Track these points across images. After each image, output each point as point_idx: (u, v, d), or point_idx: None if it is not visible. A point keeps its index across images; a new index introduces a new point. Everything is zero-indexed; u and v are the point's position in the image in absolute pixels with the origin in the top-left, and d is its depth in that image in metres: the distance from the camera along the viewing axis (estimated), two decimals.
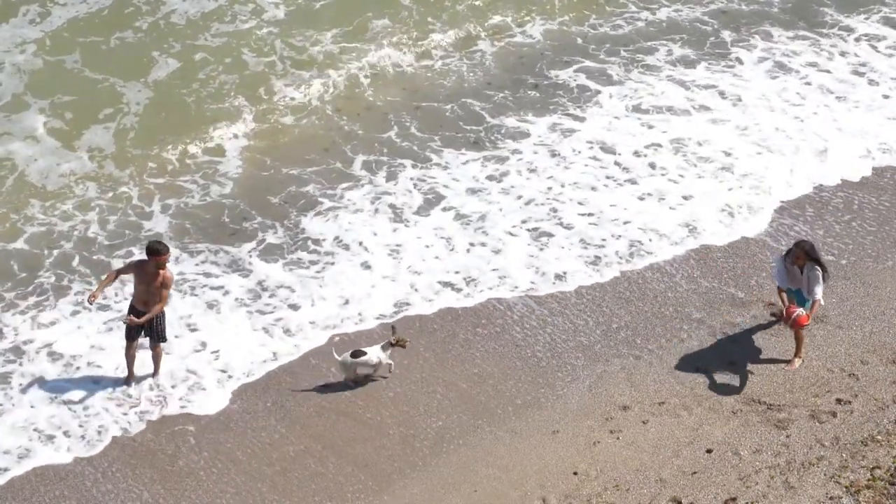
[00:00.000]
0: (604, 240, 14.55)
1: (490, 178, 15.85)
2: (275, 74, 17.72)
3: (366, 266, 14.29)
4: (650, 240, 14.55)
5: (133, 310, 12.12)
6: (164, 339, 12.41)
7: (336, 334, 13.21)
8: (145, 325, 12.15)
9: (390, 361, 12.55)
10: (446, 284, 13.92)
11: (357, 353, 12.40)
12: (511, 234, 14.76)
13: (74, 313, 13.51)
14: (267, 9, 19.05)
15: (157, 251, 11.86)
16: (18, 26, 18.43)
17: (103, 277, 12.38)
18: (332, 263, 14.35)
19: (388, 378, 12.55)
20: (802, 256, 12.19)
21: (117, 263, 14.10)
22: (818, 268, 12.17)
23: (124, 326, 12.25)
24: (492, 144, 16.54)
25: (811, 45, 18.77)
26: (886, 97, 17.40)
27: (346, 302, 13.70)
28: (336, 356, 12.47)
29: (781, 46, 18.71)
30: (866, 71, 17.98)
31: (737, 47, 18.70)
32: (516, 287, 13.81)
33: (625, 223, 14.86)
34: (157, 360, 12.54)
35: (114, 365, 12.75)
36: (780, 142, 16.39)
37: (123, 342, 12.34)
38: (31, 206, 15.16)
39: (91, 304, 12.22)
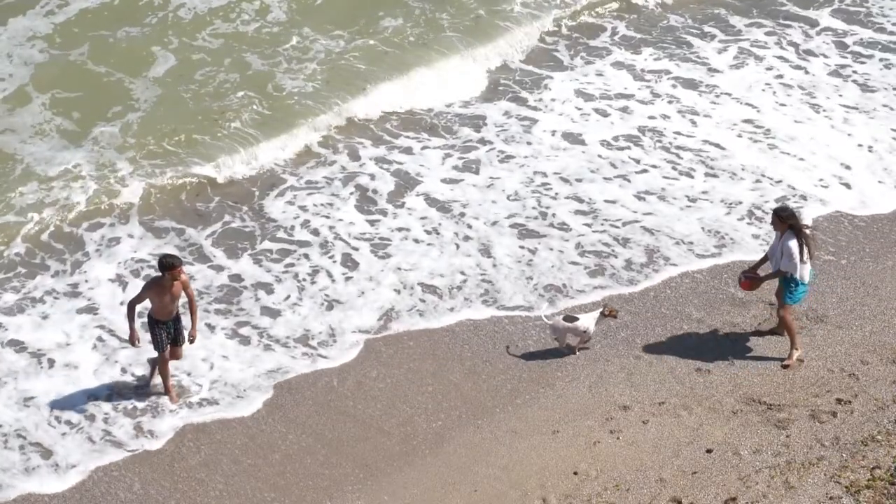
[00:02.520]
0: (607, 245, 14.48)
1: (458, 168, 15.79)
2: (279, 72, 17.76)
3: (346, 263, 14.23)
4: (666, 247, 14.39)
5: (154, 321, 11.98)
6: (181, 343, 12.34)
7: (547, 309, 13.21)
8: (172, 332, 12.12)
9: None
10: (430, 289, 13.82)
11: (570, 318, 12.59)
12: (499, 232, 14.69)
13: (43, 296, 13.57)
14: (272, 8, 19.07)
15: (171, 265, 11.73)
16: (33, 18, 18.52)
17: (129, 318, 12.03)
18: (307, 257, 14.33)
19: (383, 378, 12.56)
20: (777, 222, 12.05)
21: (86, 237, 14.31)
22: (794, 239, 11.91)
23: (158, 344, 12.07)
24: (448, 130, 16.54)
25: (767, 33, 18.63)
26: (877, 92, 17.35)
27: (330, 307, 13.62)
28: (546, 320, 12.63)
29: (745, 35, 18.51)
30: (850, 73, 17.94)
31: (689, 34, 18.55)
32: (508, 307, 13.53)
33: (625, 224, 14.81)
34: (174, 358, 12.45)
35: (88, 364, 12.76)
36: (780, 142, 16.36)
37: (157, 359, 12.26)
38: (26, 187, 15.32)
39: (137, 345, 12.13)
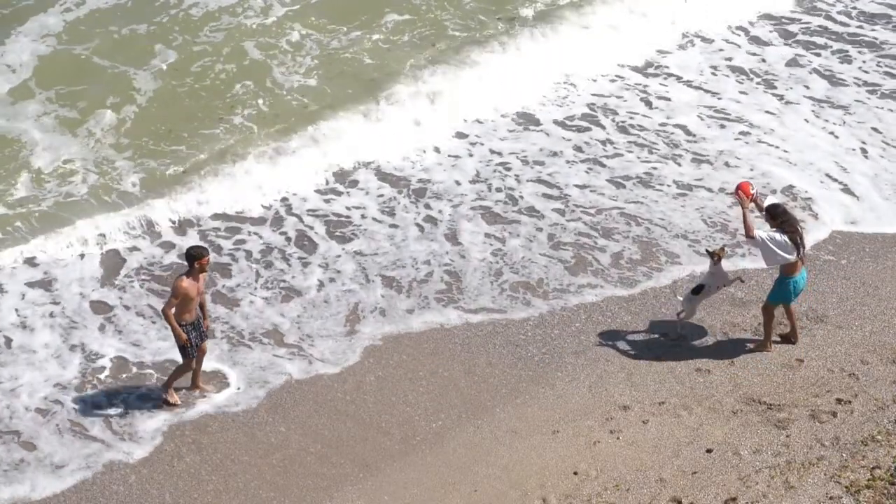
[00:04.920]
0: (586, 236, 14.30)
1: (413, 147, 15.86)
2: (278, 70, 17.81)
3: (302, 244, 14.23)
4: (664, 240, 14.31)
5: (186, 326, 11.83)
6: (207, 337, 12.32)
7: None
8: (198, 331, 12.04)
9: (725, 277, 12.69)
10: (392, 282, 13.82)
11: (698, 289, 12.60)
12: (465, 217, 14.63)
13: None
14: (273, 6, 19.16)
15: (200, 255, 11.70)
16: (50, 16, 18.70)
17: (172, 323, 11.75)
18: (259, 235, 14.33)
19: (387, 378, 12.56)
20: (769, 219, 12.08)
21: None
22: (782, 235, 11.88)
23: (191, 348, 11.91)
24: (394, 105, 16.62)
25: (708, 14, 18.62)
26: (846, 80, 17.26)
27: (288, 298, 13.58)
28: (680, 297, 12.74)
29: (684, 14, 18.50)
30: (806, 63, 17.90)
31: (622, 9, 18.55)
32: (472, 309, 13.45)
33: (601, 212, 14.67)
34: (202, 357, 12.39)
35: (50, 347, 12.83)
36: (755, 131, 16.34)
37: (188, 360, 12.12)
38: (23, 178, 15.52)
39: (188, 346, 11.94)
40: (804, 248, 12.09)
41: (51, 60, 17.69)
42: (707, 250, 12.79)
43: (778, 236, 11.91)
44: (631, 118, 16.51)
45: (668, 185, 15.29)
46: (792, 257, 11.97)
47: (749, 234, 11.95)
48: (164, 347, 12.86)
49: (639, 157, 15.80)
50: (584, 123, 16.47)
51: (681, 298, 12.84)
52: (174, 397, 12.25)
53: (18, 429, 11.98)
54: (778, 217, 12.02)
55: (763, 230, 12.00)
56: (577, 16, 18.77)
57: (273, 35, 18.44)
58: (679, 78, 17.55)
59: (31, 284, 13.71)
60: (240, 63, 17.82)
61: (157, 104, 16.97)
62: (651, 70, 17.65)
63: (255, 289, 13.82)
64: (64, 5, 18.87)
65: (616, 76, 17.46)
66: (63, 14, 18.63)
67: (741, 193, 12.11)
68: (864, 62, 18.00)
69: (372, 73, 17.49)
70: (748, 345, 12.65)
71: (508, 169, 15.68)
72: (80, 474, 11.52)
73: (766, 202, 12.68)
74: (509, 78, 17.17)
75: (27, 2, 19.04)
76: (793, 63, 17.90)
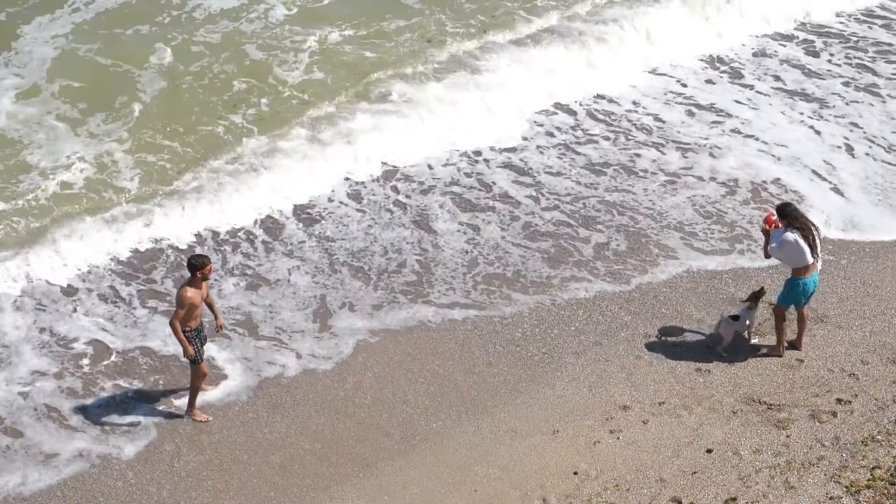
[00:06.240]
0: (566, 225, 14.24)
1: (379, 128, 15.95)
2: (280, 69, 17.86)
3: (268, 227, 14.35)
4: (654, 231, 14.26)
5: (191, 333, 11.74)
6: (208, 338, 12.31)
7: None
8: (203, 336, 11.98)
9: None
10: (362, 274, 13.82)
11: (735, 317, 12.51)
12: (438, 204, 14.62)
13: None
14: (275, 8, 19.20)
15: (202, 264, 11.61)
16: (59, 16, 18.77)
17: (180, 336, 11.62)
18: (250, 232, 14.37)
19: (386, 377, 12.56)
20: (780, 219, 12.06)
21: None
22: (791, 233, 11.87)
23: (197, 354, 11.81)
24: (381, 98, 16.71)
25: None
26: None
27: (254, 287, 13.66)
28: (723, 329, 12.56)
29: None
30: (773, 53, 17.89)
31: None
32: (444, 304, 13.44)
33: (579, 200, 14.63)
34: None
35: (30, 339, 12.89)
36: (730, 120, 16.35)
37: (197, 370, 11.99)
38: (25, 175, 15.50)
39: (196, 356, 11.86)
40: (818, 247, 12.03)
41: (57, 60, 17.71)
42: (752, 294, 12.57)
43: (790, 237, 11.88)
44: (597, 102, 16.48)
45: (654, 173, 15.25)
46: (808, 257, 11.93)
47: (766, 256, 12.13)
48: (134, 334, 12.97)
49: (615, 145, 15.77)
50: (553, 110, 16.52)
51: (712, 329, 12.73)
52: (202, 416, 12.11)
53: (1, 415, 12.00)
54: (787, 216, 11.98)
55: (776, 237, 11.95)
56: (563, 18, 18.91)
57: (275, 36, 18.50)
58: (647, 68, 17.59)
59: (22, 295, 13.66)
60: (240, 63, 17.86)
61: (158, 103, 17.00)
62: (627, 60, 17.67)
63: (231, 278, 13.88)
64: (72, 5, 18.89)
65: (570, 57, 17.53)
66: (71, 15, 18.67)
67: (766, 227, 12.10)
68: (831, 55, 17.98)
69: (368, 72, 17.57)
70: (749, 345, 12.65)
71: (479, 154, 15.73)
72: (74, 466, 11.52)
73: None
74: (503, 79, 17.23)
75: (34, 1, 19.10)
76: (760, 53, 17.86)
